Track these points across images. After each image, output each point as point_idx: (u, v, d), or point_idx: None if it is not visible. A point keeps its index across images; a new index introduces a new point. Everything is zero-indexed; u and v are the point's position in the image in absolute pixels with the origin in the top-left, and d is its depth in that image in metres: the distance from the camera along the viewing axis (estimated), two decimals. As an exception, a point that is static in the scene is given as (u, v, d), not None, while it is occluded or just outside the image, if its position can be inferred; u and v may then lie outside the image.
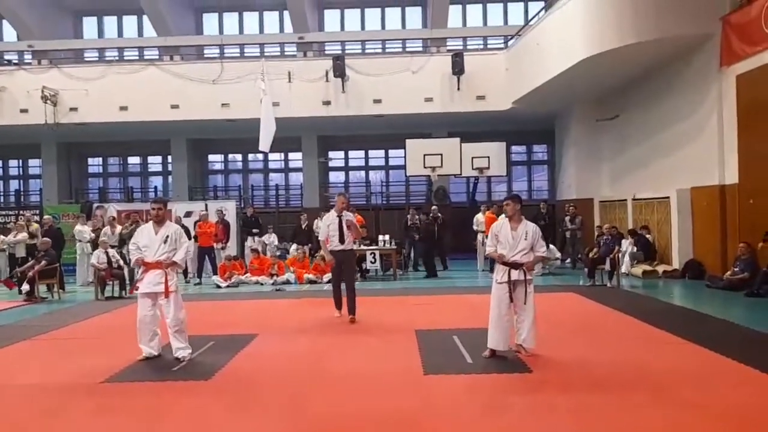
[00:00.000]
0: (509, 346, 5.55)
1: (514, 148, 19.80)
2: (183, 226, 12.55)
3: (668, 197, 11.84)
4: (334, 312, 7.90)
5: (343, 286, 7.82)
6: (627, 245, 11.72)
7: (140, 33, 21.75)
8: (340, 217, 7.64)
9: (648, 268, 11.65)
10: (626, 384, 4.60)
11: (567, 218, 13.86)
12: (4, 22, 21.04)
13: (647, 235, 12.24)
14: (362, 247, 12.01)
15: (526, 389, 4.60)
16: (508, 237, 5.49)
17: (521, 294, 5.46)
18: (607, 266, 10.53)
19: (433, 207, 14.81)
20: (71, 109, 15.99)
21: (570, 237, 13.83)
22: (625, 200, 13.71)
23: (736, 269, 9.60)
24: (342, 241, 7.63)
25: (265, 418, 4.07)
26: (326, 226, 7.80)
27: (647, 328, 6.76)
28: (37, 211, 16.17)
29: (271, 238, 14.80)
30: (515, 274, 5.43)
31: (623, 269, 11.43)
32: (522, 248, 5.43)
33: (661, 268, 11.60)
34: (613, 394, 4.39)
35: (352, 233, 7.71)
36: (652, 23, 10.56)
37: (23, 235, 12.61)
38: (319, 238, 8.04)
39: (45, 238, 11.16)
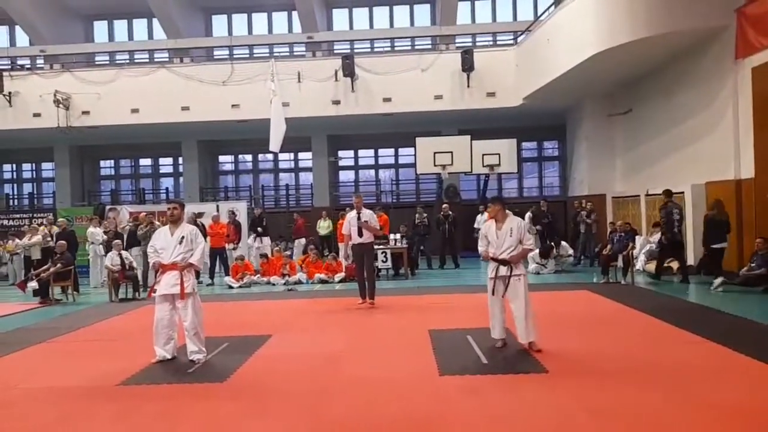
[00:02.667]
0: (504, 336, 5.83)
1: (524, 145, 19.67)
2: (200, 225, 12.73)
3: (683, 192, 11.69)
4: (358, 300, 8.84)
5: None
6: (642, 241, 11.60)
7: (150, 36, 21.88)
8: (359, 214, 8.66)
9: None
10: (643, 384, 4.54)
11: (584, 213, 13.79)
12: (17, 27, 21.26)
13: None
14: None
15: (541, 390, 4.55)
16: (493, 236, 5.80)
17: (511, 289, 5.67)
18: (620, 263, 10.41)
19: (444, 205, 14.76)
20: (83, 113, 16.15)
21: (585, 232, 13.74)
22: (638, 196, 13.57)
23: (752, 265, 9.41)
24: (360, 235, 8.65)
25: (281, 423, 4.06)
26: (348, 222, 8.82)
27: (663, 325, 6.67)
28: (51, 214, 16.35)
29: (261, 242, 14.09)
30: (502, 270, 5.70)
31: (637, 266, 11.32)
32: (508, 245, 5.70)
33: (675, 265, 11.45)
34: (630, 395, 4.33)
35: (369, 230, 8.73)
36: (664, 16, 10.42)
37: (37, 238, 12.76)
38: (342, 232, 9.16)
39: (61, 241, 11.25)
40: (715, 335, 5.94)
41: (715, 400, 4.14)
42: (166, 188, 20.75)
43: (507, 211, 5.90)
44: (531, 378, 4.86)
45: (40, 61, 20.62)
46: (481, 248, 5.96)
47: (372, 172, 21.00)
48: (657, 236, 12.10)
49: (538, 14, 16.85)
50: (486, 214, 13.64)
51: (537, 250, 11.95)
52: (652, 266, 11.56)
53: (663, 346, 5.74)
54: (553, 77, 13.25)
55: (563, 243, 12.76)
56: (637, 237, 11.51)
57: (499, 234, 5.75)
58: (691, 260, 11.39)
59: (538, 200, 16.05)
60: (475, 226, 14.27)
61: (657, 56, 11.78)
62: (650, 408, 4.03)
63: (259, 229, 14.20)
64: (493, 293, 5.76)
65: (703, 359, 5.23)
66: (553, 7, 14.28)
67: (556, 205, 16.42)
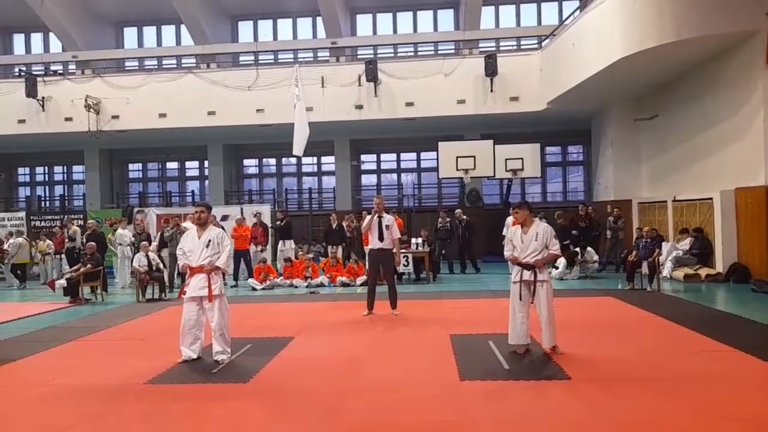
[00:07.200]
0: (528, 341, 5.84)
1: (548, 149, 19.53)
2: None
3: (711, 198, 11.47)
4: (364, 311, 8.24)
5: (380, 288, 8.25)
6: (668, 248, 11.41)
7: (178, 42, 22.33)
8: (380, 217, 8.08)
9: (690, 271, 11.30)
10: (668, 394, 4.48)
11: (611, 219, 13.67)
12: (51, 34, 21.90)
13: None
14: (394, 250, 11.97)
15: (564, 398, 4.52)
16: (518, 240, 5.86)
17: (535, 295, 5.74)
18: (645, 269, 10.25)
19: (457, 211, 14.64)
20: (113, 117, 16.56)
21: (611, 237, 13.58)
22: (665, 202, 13.35)
23: (784, 273, 9.27)
24: (381, 239, 8.07)
25: (303, 425, 4.10)
26: (366, 222, 8.23)
27: (689, 333, 6.55)
28: (81, 216, 16.77)
29: (285, 245, 14.14)
30: (526, 275, 5.73)
31: (664, 273, 11.13)
32: (533, 250, 5.74)
33: (703, 272, 11.24)
34: (654, 404, 4.27)
35: (392, 234, 8.12)
36: (692, 20, 10.27)
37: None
38: (363, 229, 8.53)
39: (91, 242, 11.55)
40: (744, 344, 5.82)
41: (744, 413, 4.05)
42: (192, 191, 21.12)
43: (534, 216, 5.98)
44: (553, 385, 4.82)
45: (72, 67, 21.20)
46: (506, 252, 6.01)
47: (394, 176, 21.08)
48: (684, 242, 11.92)
49: (563, 18, 16.73)
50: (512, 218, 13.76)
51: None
52: (679, 273, 11.39)
53: (689, 355, 5.65)
54: (578, 82, 13.14)
55: (589, 248, 12.61)
56: (663, 243, 11.32)
57: (524, 238, 5.82)
58: (719, 268, 11.19)
59: (563, 205, 15.92)
60: (504, 231, 14.11)
61: (684, 61, 11.59)
62: (675, 419, 3.97)
63: (273, 229, 14.27)
64: (520, 298, 5.77)
65: (731, 369, 5.12)
66: (578, 11, 14.18)
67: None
